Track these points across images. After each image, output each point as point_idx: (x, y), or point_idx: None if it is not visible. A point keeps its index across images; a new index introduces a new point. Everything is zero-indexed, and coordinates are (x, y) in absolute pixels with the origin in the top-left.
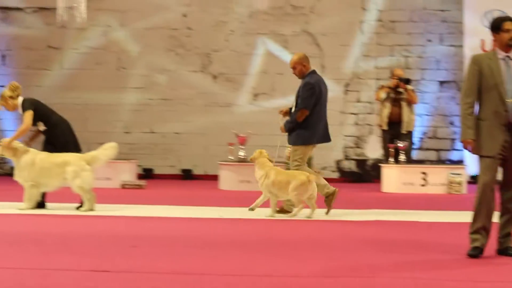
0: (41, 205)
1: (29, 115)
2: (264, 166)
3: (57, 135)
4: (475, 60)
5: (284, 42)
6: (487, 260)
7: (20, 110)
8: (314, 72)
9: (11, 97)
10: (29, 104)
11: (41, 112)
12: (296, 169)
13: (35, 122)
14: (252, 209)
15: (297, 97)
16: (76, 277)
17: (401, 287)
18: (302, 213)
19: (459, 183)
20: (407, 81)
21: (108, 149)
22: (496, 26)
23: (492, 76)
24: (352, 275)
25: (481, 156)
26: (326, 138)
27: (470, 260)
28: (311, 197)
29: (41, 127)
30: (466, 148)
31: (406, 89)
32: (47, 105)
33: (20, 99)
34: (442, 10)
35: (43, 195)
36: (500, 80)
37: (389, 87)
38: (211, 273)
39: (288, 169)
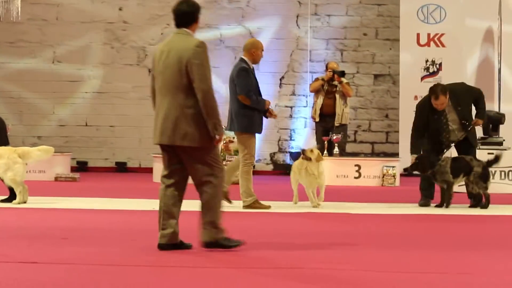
0: None
1: None
2: None
3: None
4: None
5: (220, 35)
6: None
7: None
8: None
9: None
10: None
11: None
12: None
13: None
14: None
15: None
16: (3, 268)
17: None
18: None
19: (393, 176)
20: (342, 74)
21: (43, 151)
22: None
23: None
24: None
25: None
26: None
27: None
28: None
29: None
30: None
31: (340, 82)
32: None
33: None
34: (378, 4)
35: None
36: None
37: (324, 80)
38: (146, 265)
39: None
